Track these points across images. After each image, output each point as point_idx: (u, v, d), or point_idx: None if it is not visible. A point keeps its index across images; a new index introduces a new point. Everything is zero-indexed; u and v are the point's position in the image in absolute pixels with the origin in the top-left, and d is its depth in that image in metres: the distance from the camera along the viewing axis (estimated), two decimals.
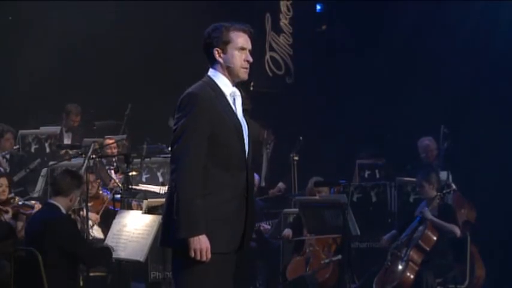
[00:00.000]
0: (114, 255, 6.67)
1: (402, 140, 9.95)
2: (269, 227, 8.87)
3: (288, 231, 8.16)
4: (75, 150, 8.63)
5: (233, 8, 10.27)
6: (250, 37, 4.43)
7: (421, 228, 7.50)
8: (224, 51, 4.37)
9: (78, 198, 6.97)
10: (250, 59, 4.41)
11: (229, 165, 4.29)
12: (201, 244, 4.15)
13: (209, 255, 4.17)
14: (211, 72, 4.42)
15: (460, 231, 7.57)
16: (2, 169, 8.42)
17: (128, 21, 10.89)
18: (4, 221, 6.92)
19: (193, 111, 4.23)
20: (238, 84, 4.47)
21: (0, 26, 10.70)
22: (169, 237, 4.25)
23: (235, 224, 4.31)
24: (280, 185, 9.92)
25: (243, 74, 4.41)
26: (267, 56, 11.70)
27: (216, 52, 4.38)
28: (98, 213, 8.00)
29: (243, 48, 4.38)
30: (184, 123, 4.23)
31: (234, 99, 4.41)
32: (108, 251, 6.60)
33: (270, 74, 11.74)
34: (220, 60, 4.38)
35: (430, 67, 10.21)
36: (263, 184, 10.05)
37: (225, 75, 4.39)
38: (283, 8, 11.88)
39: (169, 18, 10.88)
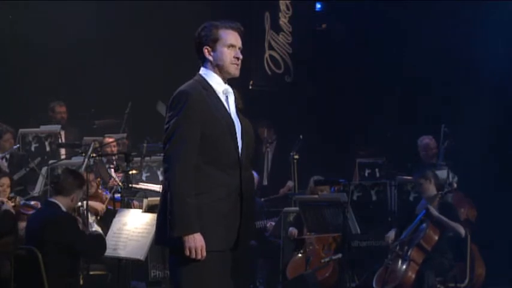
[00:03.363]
0: (115, 254, 6.66)
1: (402, 139, 9.96)
2: (273, 223, 8.86)
3: (293, 230, 8.18)
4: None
5: (232, 6, 10.27)
6: (240, 35, 4.45)
7: (422, 227, 7.50)
8: (213, 49, 4.39)
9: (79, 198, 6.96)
10: (240, 56, 4.42)
11: (222, 163, 4.30)
12: (196, 242, 4.17)
13: (204, 254, 4.19)
14: (202, 71, 4.44)
15: (464, 231, 7.57)
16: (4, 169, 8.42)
17: (128, 20, 10.90)
18: (5, 211, 6.87)
19: (184, 109, 4.24)
20: (232, 82, 4.48)
21: (0, 26, 10.69)
22: (164, 236, 4.26)
23: (230, 222, 4.31)
24: (289, 183, 9.87)
25: (234, 70, 4.42)
26: (266, 55, 11.70)
27: (206, 50, 4.40)
28: (96, 213, 7.97)
29: (232, 46, 4.39)
30: (176, 122, 4.24)
31: (227, 97, 4.42)
32: (101, 238, 6.55)
33: (269, 73, 11.73)
34: (210, 58, 4.40)
35: (431, 65, 10.21)
36: (265, 183, 10.05)
37: (216, 73, 4.41)
38: (282, 7, 11.88)
39: (169, 17, 10.89)
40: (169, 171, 4.22)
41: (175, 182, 4.18)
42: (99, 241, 6.54)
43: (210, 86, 4.38)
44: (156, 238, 4.45)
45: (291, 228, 8.25)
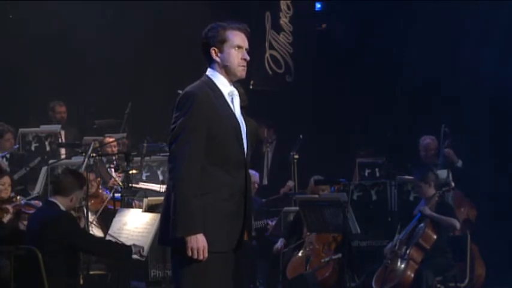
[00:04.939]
0: None
1: (402, 139, 9.96)
2: (273, 223, 8.86)
3: (280, 245, 8.17)
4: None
5: (233, 6, 10.28)
6: (246, 36, 4.44)
7: (421, 226, 7.51)
8: (221, 50, 4.38)
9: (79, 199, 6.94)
10: (247, 57, 4.42)
11: (227, 164, 4.30)
12: (198, 243, 4.16)
13: (206, 254, 4.18)
14: (209, 72, 4.43)
15: (459, 225, 7.58)
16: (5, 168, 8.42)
17: (128, 20, 10.90)
18: (8, 222, 6.90)
19: (191, 110, 4.24)
20: (236, 81, 4.48)
21: (1, 25, 10.70)
22: (167, 236, 4.26)
23: (233, 222, 4.32)
24: (290, 183, 9.85)
25: (241, 72, 4.42)
26: (267, 55, 11.70)
27: (213, 51, 4.40)
28: (96, 213, 7.97)
29: (239, 47, 4.39)
30: (182, 123, 4.24)
31: (232, 98, 4.42)
32: (128, 249, 6.37)
33: (270, 73, 11.73)
34: (218, 59, 4.40)
35: (431, 66, 10.21)
36: (265, 183, 10.04)
37: (222, 74, 4.41)
38: (283, 7, 11.88)
39: (169, 17, 10.89)
40: (175, 171, 4.22)
41: (180, 182, 4.18)
42: (122, 248, 6.45)
43: (217, 87, 4.38)
44: (159, 238, 4.43)
45: (279, 243, 8.22)
